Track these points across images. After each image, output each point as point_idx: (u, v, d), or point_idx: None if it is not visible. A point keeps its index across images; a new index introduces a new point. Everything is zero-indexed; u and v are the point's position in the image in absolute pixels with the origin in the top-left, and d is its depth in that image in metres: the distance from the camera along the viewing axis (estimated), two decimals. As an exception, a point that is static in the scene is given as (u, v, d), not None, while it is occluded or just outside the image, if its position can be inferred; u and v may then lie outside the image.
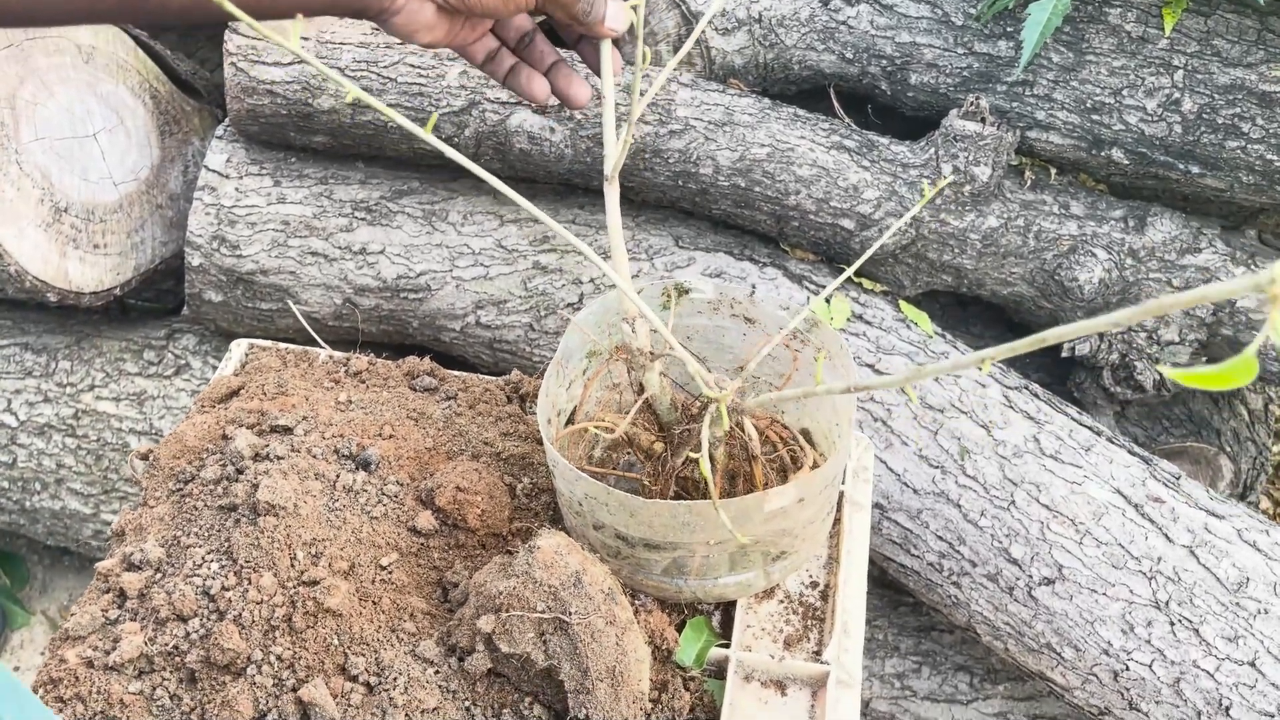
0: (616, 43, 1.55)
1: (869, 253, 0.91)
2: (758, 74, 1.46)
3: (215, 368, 1.58)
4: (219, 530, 0.81)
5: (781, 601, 0.88)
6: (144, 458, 0.89)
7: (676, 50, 1.45)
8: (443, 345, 1.52)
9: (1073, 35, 1.34)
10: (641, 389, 0.77)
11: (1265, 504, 1.84)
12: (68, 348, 1.60)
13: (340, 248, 1.43)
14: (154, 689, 0.77)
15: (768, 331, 0.90)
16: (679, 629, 0.83)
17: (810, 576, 0.90)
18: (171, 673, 0.77)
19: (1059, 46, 1.34)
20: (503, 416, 0.95)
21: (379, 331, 1.51)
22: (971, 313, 1.63)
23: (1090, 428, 1.27)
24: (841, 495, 0.93)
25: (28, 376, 1.58)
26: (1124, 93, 1.33)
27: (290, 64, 1.35)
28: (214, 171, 1.43)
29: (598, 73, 0.77)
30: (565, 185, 1.47)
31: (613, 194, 0.73)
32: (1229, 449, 1.53)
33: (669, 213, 1.47)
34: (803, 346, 0.88)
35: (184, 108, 1.61)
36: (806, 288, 1.40)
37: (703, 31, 1.40)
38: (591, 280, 1.43)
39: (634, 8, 0.70)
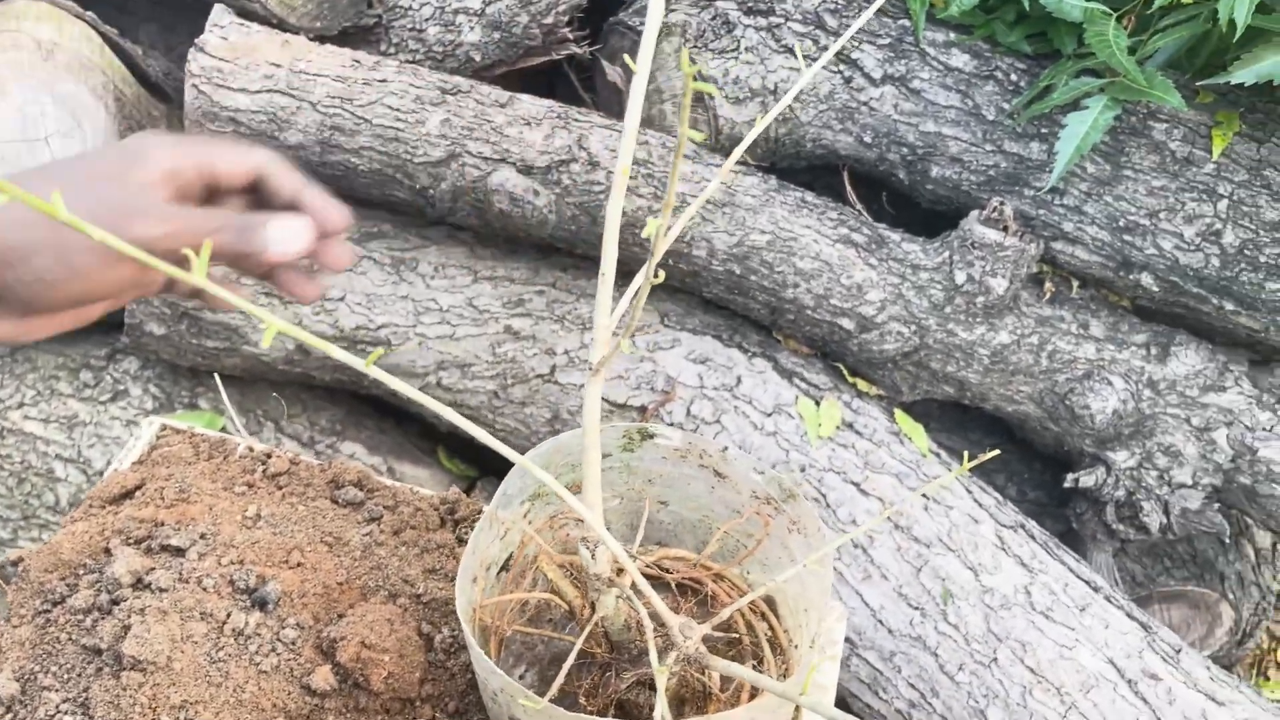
0: (619, 95, 1.40)
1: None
2: (766, 148, 1.34)
3: (156, 397, 1.46)
4: (80, 676, 0.70)
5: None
6: (14, 564, 0.78)
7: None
8: (399, 401, 1.41)
9: (1111, 147, 1.22)
10: (593, 606, 0.66)
11: (1265, 640, 1.74)
12: (0, 359, 1.48)
13: (297, 290, 1.32)
14: None
15: (739, 490, 0.79)
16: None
17: (758, 772, 0.79)
18: None
19: (1096, 157, 1.23)
20: (430, 547, 0.84)
21: (332, 380, 1.40)
22: (971, 416, 1.52)
23: (1088, 582, 1.16)
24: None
25: (-44, 385, 1.47)
26: (1161, 215, 1.21)
27: (258, 92, 1.23)
28: (168, 195, 1.31)
29: (300, 300, 0.70)
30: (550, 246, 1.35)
31: (595, 390, 0.59)
32: (1231, 595, 1.42)
33: (657, 285, 1.35)
34: (775, 514, 0.77)
35: (151, 112, 1.49)
36: (796, 385, 1.29)
37: (711, 99, 1.29)
38: (566, 352, 1.32)
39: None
